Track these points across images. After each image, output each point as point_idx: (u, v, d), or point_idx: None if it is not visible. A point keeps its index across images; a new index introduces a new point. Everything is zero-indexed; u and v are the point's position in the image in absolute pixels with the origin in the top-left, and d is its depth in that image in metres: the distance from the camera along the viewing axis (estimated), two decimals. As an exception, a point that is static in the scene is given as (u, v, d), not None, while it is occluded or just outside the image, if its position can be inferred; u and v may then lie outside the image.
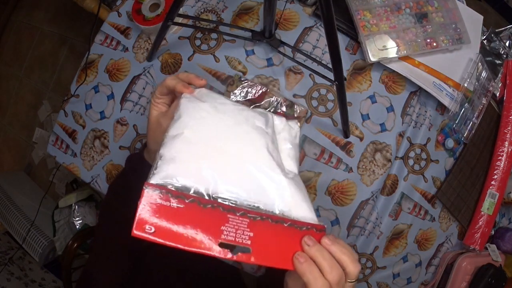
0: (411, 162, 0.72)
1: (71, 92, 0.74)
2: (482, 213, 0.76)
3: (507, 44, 0.85)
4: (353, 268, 0.33)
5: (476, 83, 0.74)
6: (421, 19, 0.71)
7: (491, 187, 0.77)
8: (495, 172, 0.78)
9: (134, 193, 0.59)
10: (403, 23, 0.71)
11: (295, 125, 0.44)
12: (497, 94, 0.81)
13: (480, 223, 0.76)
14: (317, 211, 0.69)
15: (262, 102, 0.68)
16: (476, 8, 0.77)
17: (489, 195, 0.77)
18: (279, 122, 0.44)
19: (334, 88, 0.55)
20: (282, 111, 0.67)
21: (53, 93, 1.73)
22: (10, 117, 1.81)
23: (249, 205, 0.33)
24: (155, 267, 0.69)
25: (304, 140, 0.69)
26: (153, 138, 0.49)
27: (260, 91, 0.68)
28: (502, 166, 0.78)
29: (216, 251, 0.29)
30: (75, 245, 0.79)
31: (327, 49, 0.58)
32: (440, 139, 0.74)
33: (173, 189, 0.31)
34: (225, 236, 0.30)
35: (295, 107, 0.68)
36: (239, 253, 0.30)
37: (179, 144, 0.34)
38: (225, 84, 0.70)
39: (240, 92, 0.68)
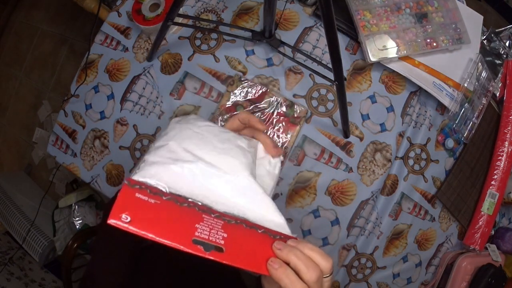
0: (411, 162, 0.72)
1: (71, 92, 0.74)
2: (482, 213, 0.76)
3: (507, 44, 0.85)
4: (325, 263, 0.32)
5: (476, 83, 0.74)
6: (421, 19, 0.71)
7: (491, 187, 0.77)
8: (495, 172, 0.78)
9: None
10: (403, 23, 0.71)
11: (277, 159, 0.44)
12: (497, 94, 0.81)
13: (480, 223, 0.76)
14: (317, 211, 0.69)
15: (262, 102, 0.68)
16: (476, 8, 0.77)
17: (489, 195, 0.77)
18: (261, 150, 0.44)
19: (334, 88, 0.55)
20: (282, 111, 0.68)
21: (53, 93, 1.73)
22: (10, 117, 1.81)
23: (225, 211, 0.33)
24: (156, 267, 0.69)
25: (304, 140, 0.69)
26: None
27: (260, 91, 0.68)
28: (502, 166, 0.78)
29: (189, 246, 0.30)
30: (75, 245, 0.79)
31: (327, 49, 0.58)
32: (440, 139, 0.74)
33: (152, 186, 0.32)
34: (199, 233, 0.30)
35: (295, 107, 0.68)
36: (212, 251, 0.30)
37: (162, 152, 0.36)
38: (225, 84, 0.70)
39: (240, 92, 0.68)
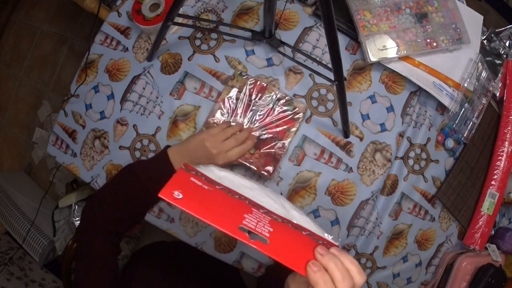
0: (411, 162, 0.72)
1: (71, 92, 0.74)
2: (482, 213, 0.76)
3: (507, 44, 0.85)
4: (360, 278, 0.33)
5: (476, 83, 0.74)
6: (421, 19, 0.71)
7: (491, 187, 0.77)
8: (495, 172, 0.78)
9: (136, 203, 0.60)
10: (403, 23, 0.71)
11: None
12: (497, 94, 0.81)
13: (480, 223, 0.76)
14: (317, 211, 0.69)
15: (262, 98, 0.67)
16: (476, 8, 0.77)
17: (489, 195, 0.77)
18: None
19: (334, 88, 0.55)
20: (282, 107, 0.67)
21: (53, 93, 1.73)
22: (10, 117, 1.80)
23: (273, 211, 0.35)
24: (156, 265, 0.69)
25: (304, 140, 0.69)
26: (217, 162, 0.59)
27: (260, 87, 0.67)
28: (502, 166, 0.78)
29: (234, 232, 0.30)
30: (75, 245, 0.79)
31: (327, 49, 0.58)
32: (440, 139, 0.74)
33: (208, 175, 0.33)
34: (247, 222, 0.31)
35: (293, 102, 0.67)
36: (257, 240, 0.30)
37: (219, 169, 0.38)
38: (225, 84, 0.70)
39: (240, 87, 0.68)
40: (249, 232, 0.31)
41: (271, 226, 0.32)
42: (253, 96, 0.67)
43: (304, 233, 0.33)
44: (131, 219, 0.61)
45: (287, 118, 0.67)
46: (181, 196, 0.30)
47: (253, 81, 0.68)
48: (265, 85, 0.67)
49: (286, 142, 0.66)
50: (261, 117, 0.67)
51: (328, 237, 0.35)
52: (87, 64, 0.74)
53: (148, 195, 0.57)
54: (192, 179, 0.32)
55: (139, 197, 0.57)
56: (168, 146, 0.62)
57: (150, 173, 0.57)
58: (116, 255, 0.62)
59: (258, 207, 0.33)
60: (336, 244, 0.35)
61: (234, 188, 0.35)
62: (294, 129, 0.67)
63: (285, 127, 0.67)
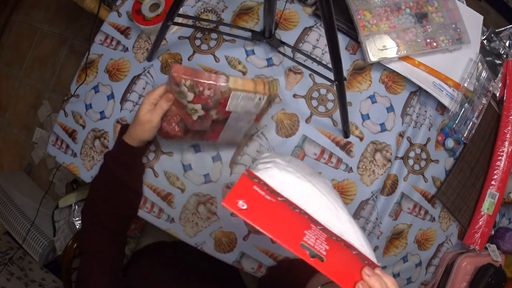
0: (411, 162, 0.72)
1: (71, 92, 0.74)
2: (482, 213, 0.76)
3: (507, 44, 0.85)
4: None
5: (476, 83, 0.74)
6: (421, 19, 0.71)
7: (491, 187, 0.77)
8: (495, 172, 0.78)
9: (126, 191, 0.61)
10: (403, 23, 0.71)
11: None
12: (497, 94, 0.81)
13: (480, 223, 0.76)
14: (317, 211, 0.69)
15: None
16: (476, 8, 0.77)
17: (489, 195, 0.77)
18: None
19: (334, 88, 0.55)
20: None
21: (53, 93, 1.73)
22: (10, 117, 1.81)
23: (326, 226, 0.35)
24: (157, 265, 0.69)
25: (304, 140, 0.69)
26: (145, 131, 0.57)
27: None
28: (502, 166, 0.78)
29: (297, 249, 0.31)
30: (75, 245, 0.79)
31: (327, 49, 0.58)
32: (440, 139, 0.74)
33: (269, 184, 0.33)
34: (307, 239, 0.32)
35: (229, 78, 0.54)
36: (316, 258, 0.31)
37: (273, 164, 0.37)
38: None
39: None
40: (309, 250, 0.32)
41: (327, 244, 0.33)
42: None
43: (353, 252, 0.35)
44: (120, 211, 0.62)
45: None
46: (245, 206, 0.30)
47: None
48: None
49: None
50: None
51: (372, 257, 0.36)
52: (87, 64, 0.74)
53: (116, 178, 0.60)
54: (255, 187, 0.32)
55: (110, 181, 0.60)
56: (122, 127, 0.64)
57: (111, 156, 0.61)
58: (119, 254, 0.62)
59: (316, 223, 0.34)
60: (378, 264, 0.37)
61: (294, 198, 0.35)
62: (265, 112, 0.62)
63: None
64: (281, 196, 0.33)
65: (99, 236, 0.59)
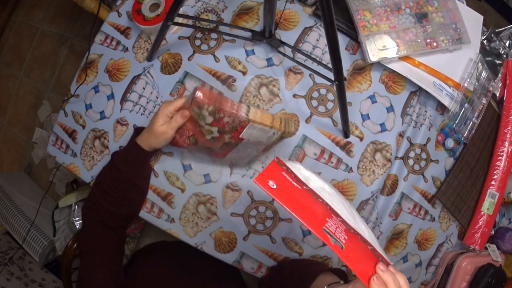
0: (411, 162, 0.72)
1: (71, 92, 0.74)
2: (482, 213, 0.76)
3: (507, 44, 0.85)
4: None
5: (476, 83, 0.74)
6: (421, 19, 0.71)
7: (491, 187, 0.77)
8: (495, 172, 0.78)
9: (130, 192, 0.61)
10: (403, 23, 0.71)
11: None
12: (497, 94, 0.81)
13: (480, 223, 0.76)
14: (317, 211, 0.69)
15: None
16: (476, 8, 0.77)
17: (489, 195, 0.77)
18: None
19: (334, 88, 0.55)
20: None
21: (53, 93, 1.73)
22: (10, 117, 1.81)
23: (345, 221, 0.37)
24: (157, 265, 0.69)
25: (304, 140, 0.69)
26: (159, 142, 0.58)
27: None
28: (502, 166, 0.77)
29: (319, 232, 0.33)
30: (75, 245, 0.79)
31: (327, 49, 0.58)
32: (440, 139, 0.74)
33: (295, 174, 0.36)
34: (328, 226, 0.34)
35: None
36: (336, 244, 0.33)
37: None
38: (225, 84, 0.70)
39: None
40: (330, 235, 0.34)
41: (346, 234, 0.35)
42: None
43: (369, 247, 0.37)
44: (123, 210, 0.62)
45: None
46: (275, 186, 0.33)
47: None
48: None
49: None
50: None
51: (385, 255, 0.38)
52: (87, 64, 0.74)
53: (124, 177, 0.61)
54: (283, 173, 0.35)
55: (117, 180, 0.60)
56: (136, 130, 0.65)
57: (121, 156, 0.62)
58: (119, 252, 0.62)
59: (336, 214, 0.36)
60: (391, 263, 0.38)
61: (317, 191, 0.37)
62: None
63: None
64: (306, 186, 0.36)
65: (100, 234, 0.60)
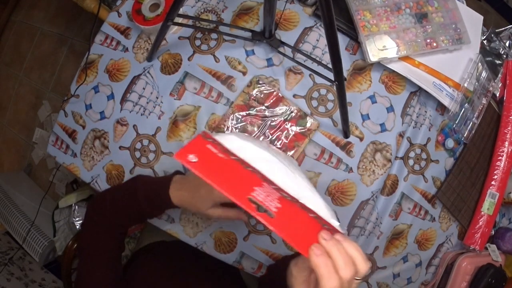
0: (411, 162, 0.72)
1: (71, 92, 0.74)
2: (482, 213, 0.76)
3: (507, 44, 0.85)
4: (363, 266, 0.33)
5: (476, 83, 0.74)
6: (421, 19, 0.71)
7: (491, 187, 0.77)
8: (495, 172, 0.78)
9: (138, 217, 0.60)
10: (403, 23, 0.71)
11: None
12: (497, 94, 0.81)
13: (480, 223, 0.76)
14: (317, 211, 0.69)
15: (276, 108, 0.67)
16: (476, 8, 0.77)
17: (489, 195, 0.77)
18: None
19: (334, 88, 0.55)
20: (294, 120, 0.67)
21: (53, 93, 1.73)
22: (10, 117, 1.81)
23: (283, 188, 0.34)
24: (157, 265, 0.69)
25: (304, 140, 0.69)
26: (194, 211, 0.55)
27: (275, 98, 0.67)
28: (502, 166, 0.78)
29: (243, 202, 0.30)
30: (75, 245, 0.79)
31: (327, 49, 0.58)
32: (440, 139, 0.74)
33: (223, 145, 0.34)
34: (256, 195, 0.31)
35: (307, 118, 0.67)
36: (264, 213, 0.30)
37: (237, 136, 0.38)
38: (225, 84, 0.70)
39: (256, 94, 0.68)
40: (257, 204, 0.31)
41: (279, 202, 0.32)
42: (267, 105, 0.67)
43: (310, 214, 0.33)
44: (131, 222, 0.61)
45: (298, 133, 0.67)
46: (195, 160, 0.31)
47: (269, 89, 0.68)
48: (281, 96, 0.67)
49: (293, 155, 0.66)
50: (272, 128, 0.67)
51: (334, 223, 0.34)
52: (87, 64, 0.74)
53: (141, 210, 0.57)
54: (208, 146, 0.33)
55: (131, 210, 0.58)
56: (178, 172, 0.62)
57: (148, 192, 0.57)
58: (120, 251, 0.62)
59: (270, 182, 0.33)
60: (342, 231, 0.34)
61: (251, 160, 0.34)
62: (303, 144, 0.67)
63: (294, 141, 0.67)
64: (234, 156, 0.33)
65: (102, 235, 0.59)
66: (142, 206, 0.56)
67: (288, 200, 0.33)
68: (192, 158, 0.31)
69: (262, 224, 0.31)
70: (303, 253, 0.32)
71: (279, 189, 0.33)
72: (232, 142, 0.35)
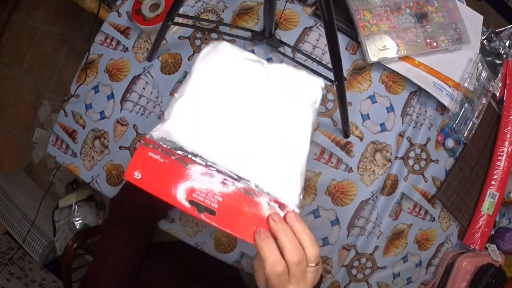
0: (411, 162, 0.72)
1: (71, 92, 0.74)
2: (482, 213, 0.76)
3: (507, 44, 0.85)
4: (312, 250, 0.32)
5: (476, 83, 0.74)
6: (421, 19, 0.71)
7: (491, 187, 0.77)
8: (495, 172, 0.78)
9: (152, 211, 0.58)
10: (403, 23, 0.71)
11: (318, 86, 0.39)
12: (497, 94, 0.81)
13: (480, 223, 0.76)
14: (317, 211, 0.69)
15: None
16: (476, 8, 0.77)
17: (489, 195, 0.77)
18: (298, 77, 0.40)
19: (334, 88, 0.55)
20: None
21: (53, 93, 1.73)
22: (10, 117, 1.81)
23: (228, 172, 0.34)
24: (160, 266, 0.69)
25: (304, 140, 0.69)
26: None
27: None
28: (502, 166, 0.77)
29: (185, 206, 0.32)
30: (75, 245, 0.79)
31: (327, 49, 0.58)
32: (440, 139, 0.74)
33: (164, 145, 0.34)
34: (196, 195, 0.33)
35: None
36: (205, 213, 0.32)
37: (178, 106, 0.37)
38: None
39: None
40: (198, 205, 0.32)
41: (221, 196, 0.33)
42: None
43: (256, 198, 0.33)
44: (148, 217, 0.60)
45: None
46: (140, 176, 0.33)
47: None
48: None
49: None
50: None
51: (291, 202, 0.34)
52: (87, 64, 0.74)
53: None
54: (149, 153, 0.34)
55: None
56: None
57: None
58: (138, 254, 0.60)
59: (211, 175, 0.34)
60: (296, 210, 0.34)
61: (198, 147, 0.35)
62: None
63: None
64: (175, 154, 0.34)
65: (122, 233, 0.57)
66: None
67: (231, 192, 0.33)
68: (137, 175, 0.33)
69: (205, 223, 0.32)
70: (250, 241, 0.32)
71: (222, 179, 0.34)
72: (170, 132, 0.35)
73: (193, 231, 0.69)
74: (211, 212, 0.32)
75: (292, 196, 0.34)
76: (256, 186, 0.34)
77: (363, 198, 0.71)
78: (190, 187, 0.33)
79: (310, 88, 0.39)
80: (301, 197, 0.35)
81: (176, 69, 0.71)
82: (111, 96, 0.72)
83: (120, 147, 0.71)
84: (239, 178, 0.34)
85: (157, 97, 0.71)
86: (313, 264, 0.32)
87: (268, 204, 0.33)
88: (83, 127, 0.73)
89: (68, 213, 1.37)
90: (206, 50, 0.41)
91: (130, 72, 0.72)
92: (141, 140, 0.35)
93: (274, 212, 0.33)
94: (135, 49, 0.73)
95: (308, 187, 0.69)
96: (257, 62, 0.40)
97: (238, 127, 0.36)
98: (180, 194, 0.33)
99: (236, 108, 0.37)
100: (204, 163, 0.34)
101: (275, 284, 0.31)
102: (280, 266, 0.30)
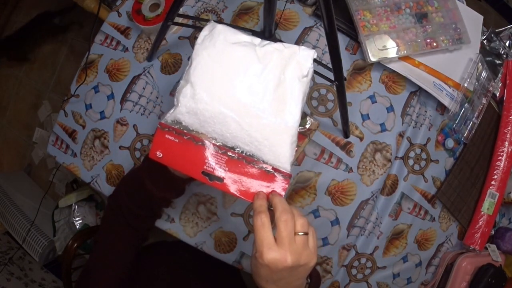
0: (411, 162, 0.72)
1: (71, 92, 0.74)
2: (482, 213, 0.76)
3: (507, 44, 0.85)
4: (299, 218, 0.36)
5: (476, 83, 0.74)
6: (421, 19, 0.71)
7: (491, 187, 0.77)
8: (495, 172, 0.78)
9: (151, 202, 0.58)
10: (403, 23, 0.71)
11: (309, 57, 0.42)
12: (497, 94, 0.81)
13: (480, 223, 0.76)
14: (317, 211, 0.69)
15: None
16: (476, 8, 0.77)
17: (489, 195, 0.77)
18: (290, 50, 0.43)
19: (334, 88, 0.55)
20: None
21: (53, 93, 1.73)
22: (10, 117, 1.80)
23: (232, 146, 0.41)
24: (158, 263, 0.69)
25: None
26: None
27: None
28: (502, 166, 0.77)
29: (198, 176, 0.40)
30: (75, 245, 0.79)
31: (327, 49, 0.58)
32: (440, 139, 0.74)
33: (176, 127, 0.41)
34: (207, 167, 0.40)
35: (307, 118, 0.67)
36: (214, 181, 0.39)
37: (184, 93, 0.42)
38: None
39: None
40: (209, 175, 0.39)
41: (226, 165, 0.39)
42: None
43: (256, 166, 0.39)
44: (142, 212, 0.59)
45: (298, 132, 0.66)
46: (161, 155, 0.41)
47: None
48: None
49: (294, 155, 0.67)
50: None
51: (285, 168, 0.39)
52: (87, 64, 0.74)
53: (147, 196, 0.55)
54: (166, 136, 0.41)
55: (140, 195, 0.56)
56: None
57: (151, 171, 0.55)
58: (136, 250, 0.60)
59: (218, 149, 0.40)
60: (289, 173, 0.39)
61: (207, 126, 0.41)
62: (303, 144, 0.67)
63: None
64: (187, 135, 0.40)
65: (119, 229, 0.57)
66: (148, 187, 0.54)
67: (234, 160, 0.40)
68: (159, 154, 0.41)
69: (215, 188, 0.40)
70: (250, 200, 0.39)
71: (226, 152, 0.40)
72: (180, 117, 0.41)
73: (193, 231, 0.69)
74: (220, 179, 0.39)
75: (285, 164, 0.40)
76: (254, 156, 0.40)
77: (363, 198, 0.71)
78: (202, 160, 0.40)
79: (301, 60, 0.41)
80: (292, 164, 0.41)
81: (176, 69, 0.71)
82: (111, 96, 0.72)
83: (120, 147, 0.71)
84: (240, 151, 0.40)
85: (157, 97, 0.71)
86: (301, 233, 0.36)
87: (266, 170, 0.39)
88: (83, 127, 0.73)
89: (68, 213, 1.37)
90: (203, 34, 0.43)
91: (130, 72, 0.72)
92: (158, 125, 0.41)
93: (274, 191, 0.39)
94: (135, 49, 0.73)
95: (308, 187, 0.69)
96: (250, 44, 0.44)
97: (236, 107, 0.40)
98: (194, 167, 0.40)
99: (233, 89, 0.41)
100: (210, 141, 0.40)
101: (259, 243, 0.34)
102: (266, 219, 0.35)
